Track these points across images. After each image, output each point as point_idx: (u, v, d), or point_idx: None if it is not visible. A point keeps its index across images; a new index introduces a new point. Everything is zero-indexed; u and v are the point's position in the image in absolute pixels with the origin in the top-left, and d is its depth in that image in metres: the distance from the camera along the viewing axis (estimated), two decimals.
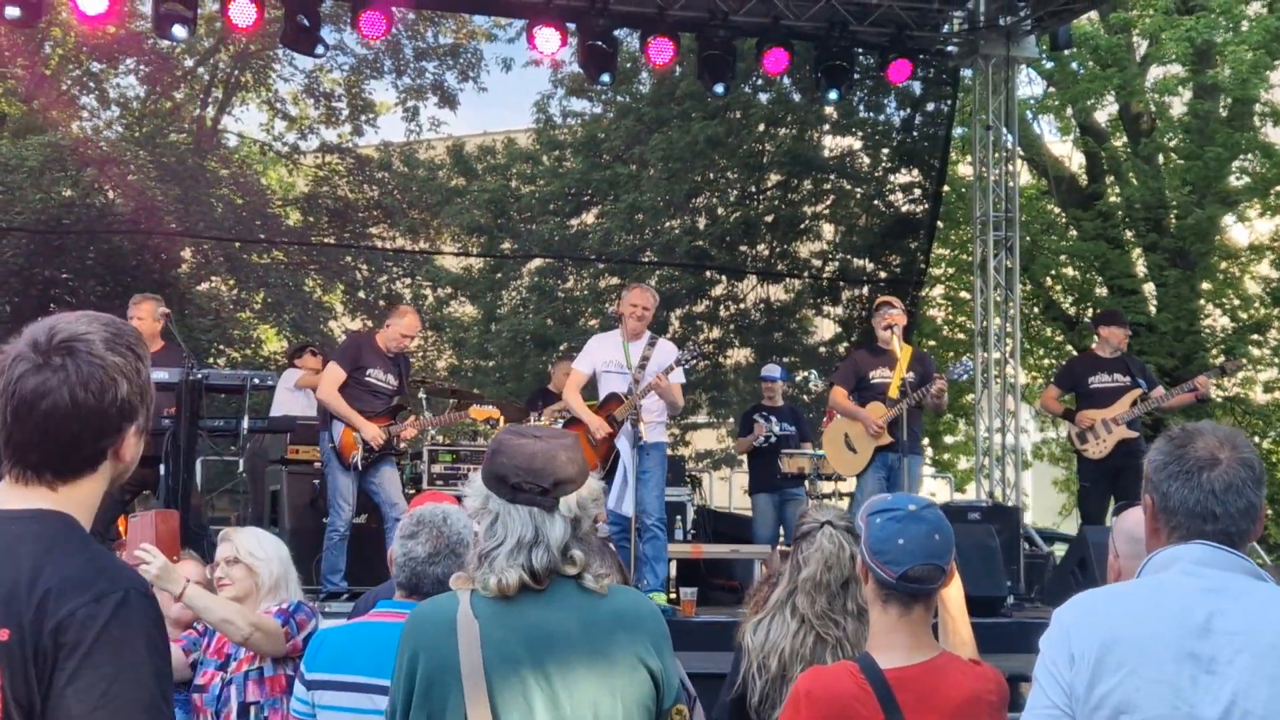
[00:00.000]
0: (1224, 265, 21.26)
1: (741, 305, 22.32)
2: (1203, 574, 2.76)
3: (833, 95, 14.56)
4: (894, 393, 10.02)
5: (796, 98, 21.22)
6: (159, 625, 2.23)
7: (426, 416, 10.77)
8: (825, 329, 22.80)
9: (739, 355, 22.37)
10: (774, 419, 12.48)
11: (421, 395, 12.51)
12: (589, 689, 2.87)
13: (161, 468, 8.96)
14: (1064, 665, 2.78)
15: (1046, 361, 22.51)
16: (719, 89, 14.26)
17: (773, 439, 12.31)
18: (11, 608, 2.14)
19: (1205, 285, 20.90)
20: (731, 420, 21.74)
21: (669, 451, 10.71)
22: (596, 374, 9.60)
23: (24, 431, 2.24)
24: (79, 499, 2.30)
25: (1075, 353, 18.58)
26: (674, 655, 3.09)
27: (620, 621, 2.97)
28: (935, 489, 23.70)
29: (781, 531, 12.02)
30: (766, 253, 22.22)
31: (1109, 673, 2.71)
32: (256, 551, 5.20)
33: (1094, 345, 11.48)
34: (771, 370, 13.21)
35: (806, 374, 13.33)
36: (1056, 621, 2.86)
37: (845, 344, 20.84)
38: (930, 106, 19.74)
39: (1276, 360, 20.83)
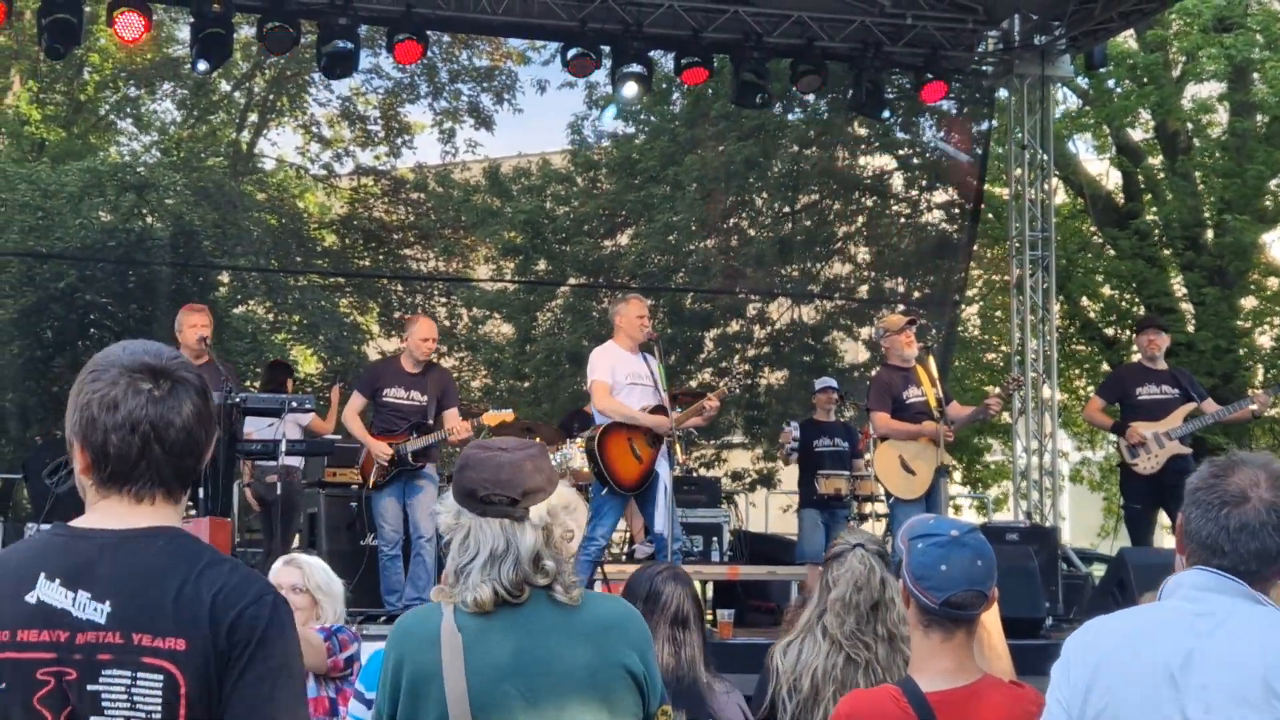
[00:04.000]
0: (1267, 283, 21.09)
1: (775, 326, 22.30)
2: (1198, 599, 2.79)
3: (885, 114, 14.50)
4: (935, 409, 10.00)
5: (829, 117, 21.21)
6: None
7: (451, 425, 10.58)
8: (854, 352, 22.71)
9: (773, 376, 22.34)
10: (795, 425, 12.43)
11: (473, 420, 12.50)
12: (573, 700, 2.89)
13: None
14: (1065, 689, 2.86)
15: (1083, 382, 22.39)
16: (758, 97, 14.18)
17: (795, 445, 12.26)
18: (183, 617, 2.27)
19: (1245, 303, 20.75)
20: (766, 441, 21.70)
21: (704, 471, 10.69)
22: (619, 386, 9.43)
23: (162, 452, 2.35)
24: (178, 513, 2.44)
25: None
26: (655, 657, 3.11)
27: (601, 629, 2.99)
28: (969, 510, 23.63)
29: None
30: (799, 274, 22.20)
31: (1096, 697, 2.78)
32: (324, 586, 5.22)
33: (1138, 357, 11.22)
34: (824, 381, 13.00)
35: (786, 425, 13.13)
36: (1065, 650, 2.92)
37: (877, 367, 20.79)
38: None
39: None
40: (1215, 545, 2.78)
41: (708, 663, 4.52)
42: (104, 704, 2.23)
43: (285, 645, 2.35)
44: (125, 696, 2.23)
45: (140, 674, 2.23)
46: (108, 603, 2.26)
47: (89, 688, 2.23)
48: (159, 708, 2.24)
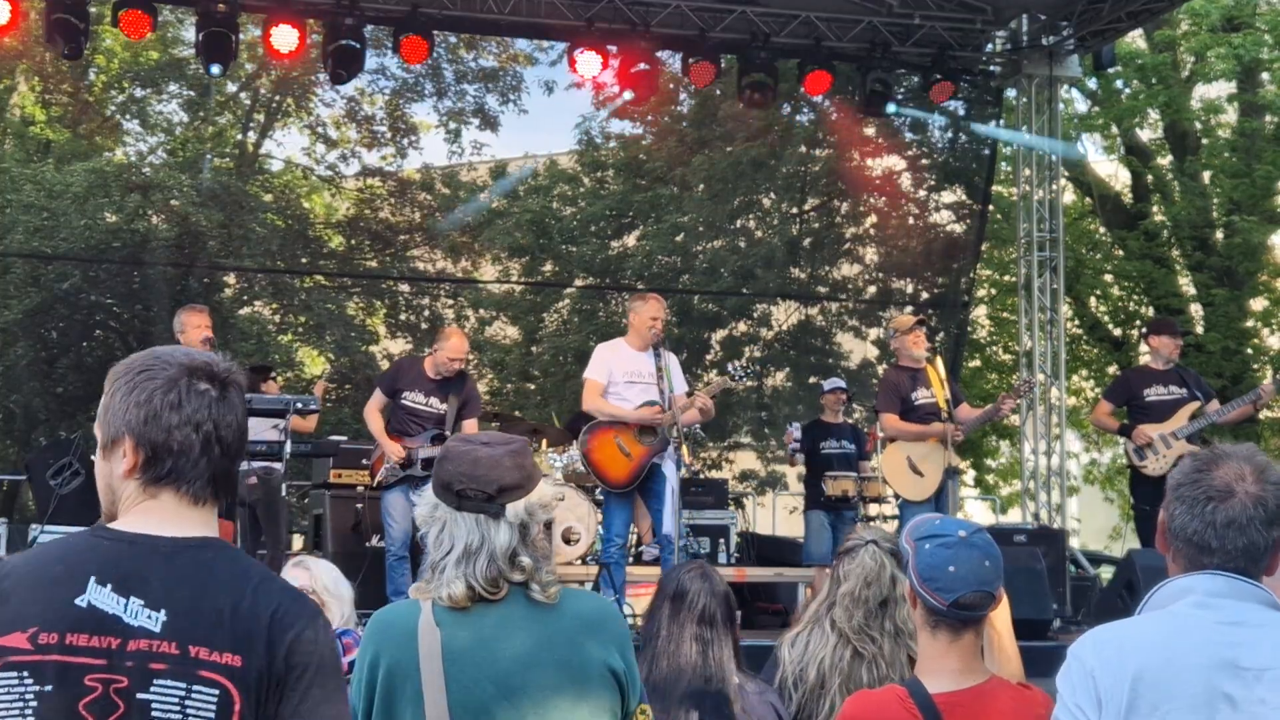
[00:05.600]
0: (1276, 283, 21.04)
1: (782, 328, 22.27)
2: (1219, 605, 2.70)
3: (890, 108, 14.45)
4: (944, 410, 9.95)
5: (837, 117, 21.18)
6: None
7: None
8: (860, 351, 22.67)
9: (779, 377, 22.31)
10: (797, 426, 12.40)
11: None
12: (551, 697, 2.87)
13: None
14: (1090, 709, 2.73)
15: (1090, 383, 22.35)
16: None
17: (798, 446, 12.22)
18: (238, 632, 2.27)
19: (1254, 304, 20.70)
20: (773, 443, 21.67)
21: (710, 473, 10.63)
22: (615, 385, 9.35)
23: (220, 454, 2.38)
24: (213, 523, 2.44)
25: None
26: (634, 653, 3.08)
27: (581, 626, 2.96)
28: (977, 512, 23.58)
29: (832, 555, 11.81)
30: (807, 275, 22.17)
31: (1141, 716, 2.65)
32: (332, 589, 5.19)
33: (1147, 358, 11.15)
34: (832, 382, 12.95)
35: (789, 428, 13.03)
36: (1077, 660, 2.80)
37: (883, 367, 20.76)
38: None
39: None
40: (1202, 542, 2.72)
41: (739, 663, 4.46)
42: (154, 713, 2.22)
43: (339, 668, 2.40)
44: (178, 708, 2.22)
45: (196, 686, 2.23)
46: (162, 611, 2.25)
47: (139, 696, 2.21)
48: None
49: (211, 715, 2.23)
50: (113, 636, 2.22)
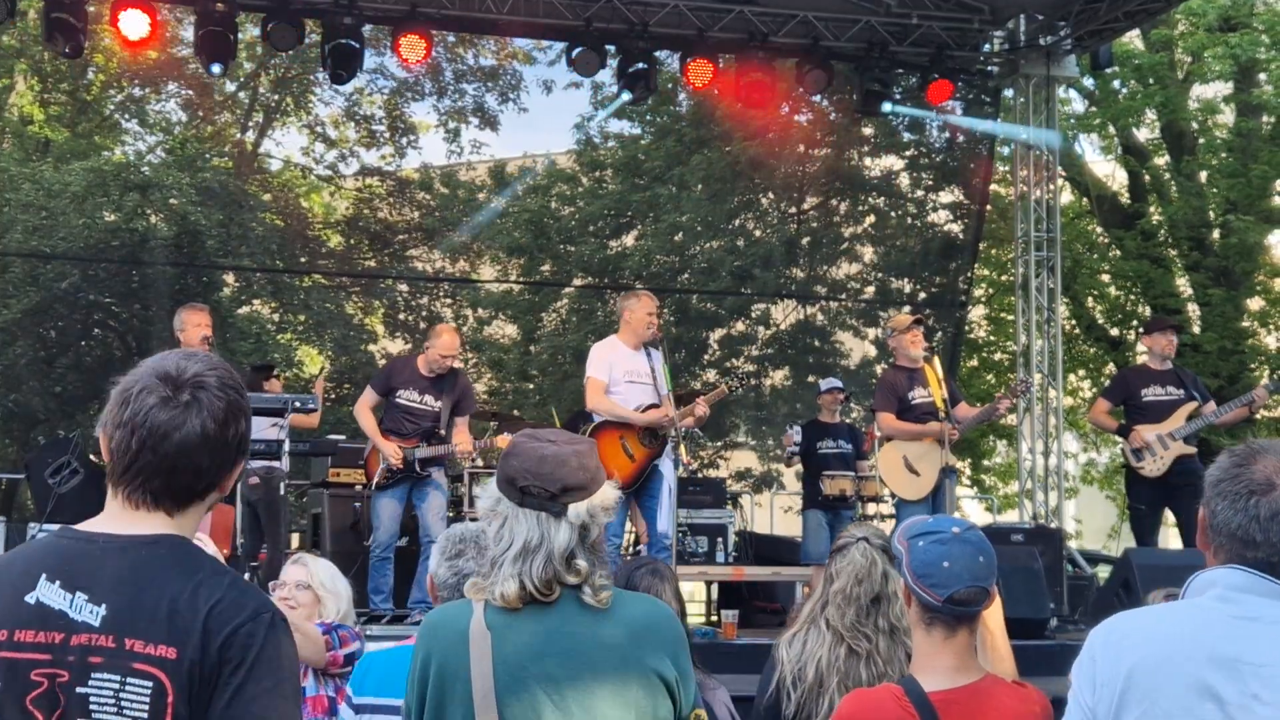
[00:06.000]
0: (1273, 283, 21.06)
1: (780, 327, 22.28)
2: (1239, 600, 2.67)
3: (885, 107, 14.48)
4: (941, 410, 9.96)
5: (836, 118, 21.20)
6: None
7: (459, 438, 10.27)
8: (860, 351, 22.68)
9: (777, 376, 22.32)
10: (797, 429, 12.41)
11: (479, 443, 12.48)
12: (601, 703, 2.85)
13: None
14: (1087, 691, 2.74)
15: (1088, 382, 22.37)
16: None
17: (797, 449, 12.23)
18: (175, 626, 2.27)
19: (1251, 304, 20.72)
20: (771, 442, 21.69)
21: (708, 472, 10.62)
22: (616, 384, 9.33)
23: (154, 460, 2.34)
24: (189, 525, 2.43)
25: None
26: (690, 659, 3.05)
27: (632, 633, 2.93)
28: (974, 512, 23.59)
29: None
30: (805, 275, 22.17)
31: (1132, 705, 2.66)
32: (328, 584, 5.22)
33: (1144, 358, 11.17)
34: (829, 382, 12.96)
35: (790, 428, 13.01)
36: (1088, 644, 2.81)
37: (882, 366, 20.77)
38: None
39: None
40: (1247, 536, 2.68)
41: (694, 660, 4.48)
42: (92, 707, 2.23)
43: (280, 664, 2.34)
44: (113, 700, 2.23)
45: (129, 679, 2.24)
46: (104, 606, 2.26)
47: (79, 690, 2.23)
48: (145, 714, 2.24)
49: (145, 707, 2.23)
50: (57, 632, 2.24)
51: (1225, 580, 2.71)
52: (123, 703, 2.23)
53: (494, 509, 2.97)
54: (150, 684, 2.24)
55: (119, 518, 2.37)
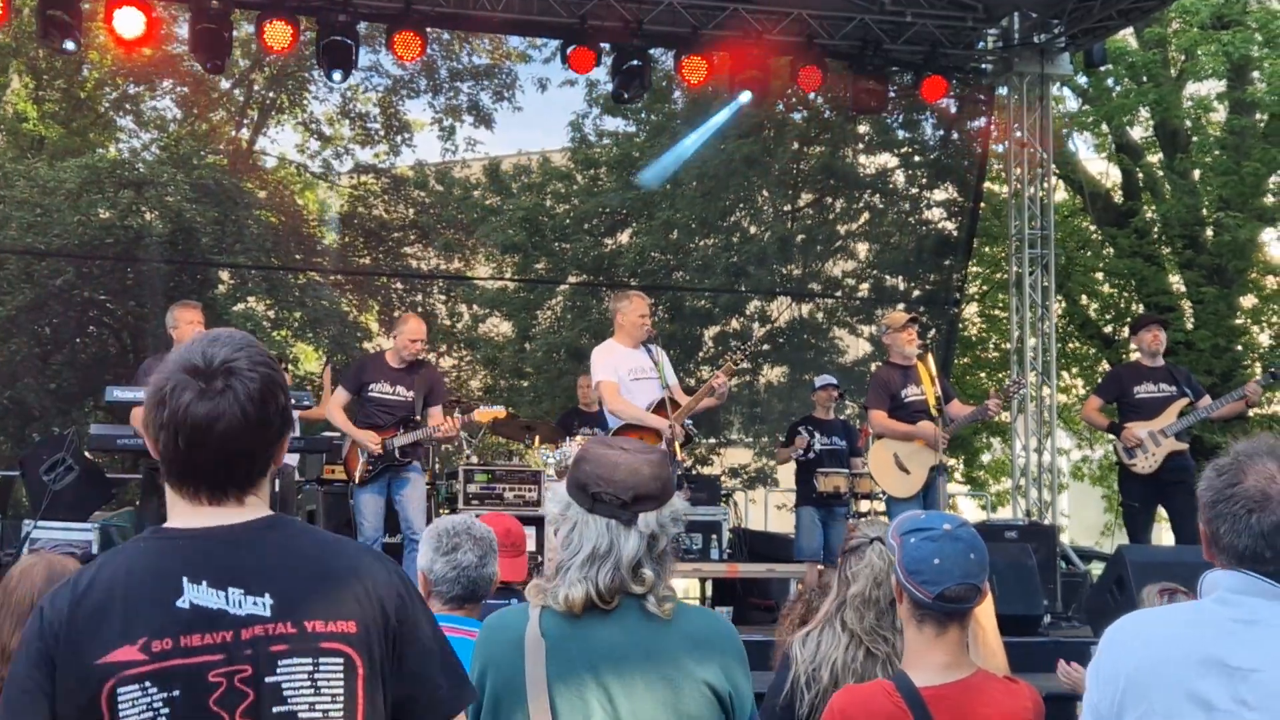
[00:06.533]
0: (1265, 281, 21.10)
1: (775, 324, 22.29)
2: (1238, 602, 2.68)
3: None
4: (934, 408, 9.98)
5: (830, 115, 21.21)
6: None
7: (435, 422, 10.22)
8: (856, 348, 22.72)
9: (772, 373, 22.34)
10: (816, 433, 12.40)
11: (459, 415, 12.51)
12: (655, 715, 2.85)
13: None
14: (1094, 690, 2.77)
15: (1081, 380, 22.40)
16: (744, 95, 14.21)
17: (812, 454, 12.23)
18: (345, 601, 2.34)
19: (1245, 301, 20.75)
20: (765, 439, 21.71)
21: (702, 470, 10.61)
22: (624, 383, 9.36)
23: (203, 455, 2.33)
24: (265, 495, 2.44)
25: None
26: (749, 674, 3.04)
27: (689, 645, 2.92)
28: (968, 508, 23.63)
29: (824, 551, 11.81)
30: (800, 272, 22.18)
31: (1130, 706, 2.67)
32: None
33: (1136, 356, 11.20)
34: (823, 379, 12.94)
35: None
36: (1097, 650, 2.82)
37: (877, 363, 20.78)
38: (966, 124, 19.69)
39: None
40: (1257, 555, 2.67)
41: None
42: (286, 693, 2.26)
43: (429, 616, 2.47)
44: (308, 683, 2.27)
45: (321, 659, 2.29)
46: (266, 595, 2.28)
47: (267, 680, 2.25)
48: (340, 690, 2.30)
49: (340, 683, 2.29)
50: (225, 630, 2.24)
51: (1227, 583, 2.72)
52: (319, 683, 2.28)
53: (564, 514, 2.97)
54: (340, 660, 2.30)
55: (199, 512, 2.36)
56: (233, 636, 2.24)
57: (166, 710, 2.18)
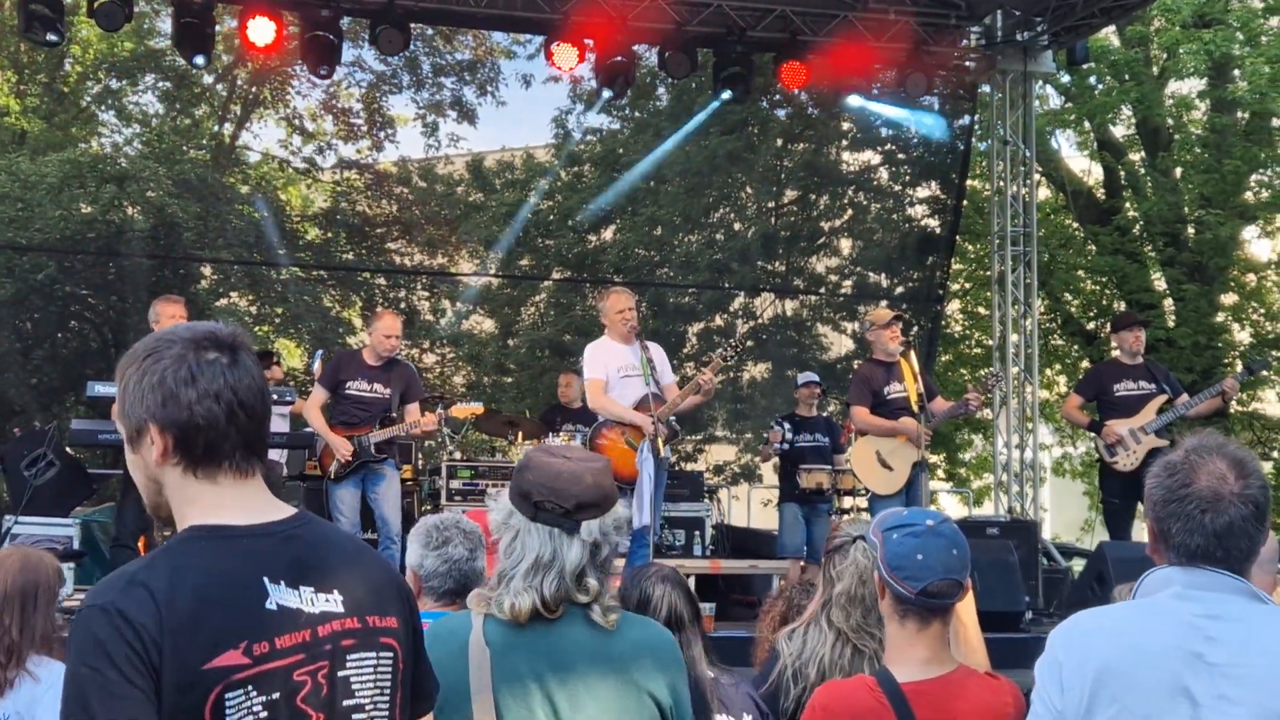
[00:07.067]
0: (1245, 279, 21.18)
1: (759, 320, 22.31)
2: (1199, 598, 2.68)
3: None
4: (915, 406, 9.99)
5: (814, 112, 21.22)
6: None
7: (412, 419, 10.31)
8: (839, 344, 22.74)
9: (756, 370, 22.35)
10: (788, 426, 12.43)
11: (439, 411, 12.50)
12: None
13: None
14: (1055, 694, 2.75)
15: (1063, 377, 22.47)
16: (726, 94, 14.22)
17: (786, 447, 12.26)
18: (388, 597, 2.43)
19: (1225, 299, 20.83)
20: (749, 435, 21.72)
21: (685, 466, 10.61)
22: (611, 380, 9.41)
23: (246, 419, 2.33)
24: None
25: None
26: (687, 685, 3.07)
27: (634, 655, 2.93)
28: (951, 505, 23.67)
29: (807, 547, 11.84)
30: (784, 268, 22.20)
31: (1103, 706, 2.66)
32: None
33: (1116, 353, 11.26)
34: (806, 376, 12.95)
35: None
36: (1050, 644, 2.81)
37: (859, 360, 20.79)
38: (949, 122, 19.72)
39: None
40: (1208, 554, 2.68)
41: (710, 659, 4.49)
42: (354, 686, 2.32)
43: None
44: (371, 676, 2.35)
45: (381, 653, 2.37)
46: (335, 592, 2.33)
47: (339, 674, 2.30)
48: (389, 682, 2.38)
49: (389, 677, 2.38)
50: (304, 630, 2.27)
51: (1182, 579, 2.72)
52: (379, 677, 2.36)
53: (506, 522, 2.97)
54: (391, 654, 2.39)
55: (245, 499, 2.35)
56: (310, 635, 2.27)
57: (265, 714, 2.19)
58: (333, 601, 2.31)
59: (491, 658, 2.86)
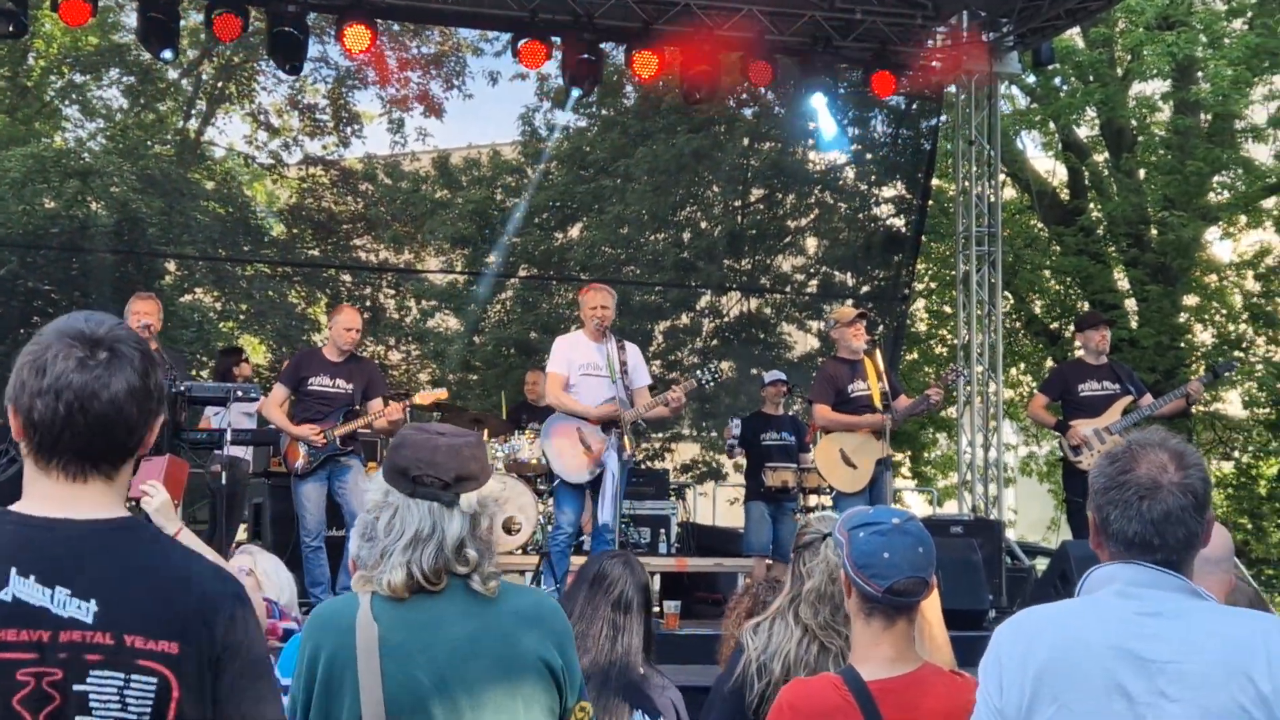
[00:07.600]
0: (1207, 279, 21.34)
1: (725, 319, 22.33)
2: (1140, 595, 2.70)
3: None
4: (879, 403, 10.03)
5: (781, 111, 21.24)
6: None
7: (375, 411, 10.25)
8: (804, 343, 22.77)
9: (722, 368, 22.31)
10: (737, 423, 12.49)
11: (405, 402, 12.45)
12: (489, 692, 2.87)
13: None
14: (994, 693, 2.77)
15: (1028, 376, 22.58)
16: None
17: (735, 442, 12.34)
18: (172, 620, 2.26)
19: (1188, 300, 20.98)
20: (715, 434, 21.73)
21: (652, 464, 10.63)
22: (571, 377, 9.42)
23: (85, 422, 2.26)
24: (124, 486, 2.37)
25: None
26: (576, 650, 3.09)
27: (520, 622, 2.96)
28: (915, 503, 23.75)
29: (773, 545, 11.85)
30: (750, 266, 22.23)
31: (1044, 704, 2.68)
32: (271, 574, 5.33)
33: (1080, 353, 11.31)
34: (772, 374, 12.97)
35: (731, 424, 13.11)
36: (993, 643, 2.83)
37: (821, 359, 20.82)
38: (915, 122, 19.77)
39: (1256, 374, 20.85)
40: (1145, 542, 2.70)
41: (649, 654, 4.50)
42: (93, 704, 2.19)
43: (261, 638, 2.39)
44: (117, 698, 2.20)
45: (134, 676, 2.21)
46: (92, 601, 2.21)
47: (75, 687, 2.18)
48: (149, 710, 2.22)
49: (150, 703, 2.21)
50: (43, 630, 2.17)
51: (1124, 576, 2.73)
52: (127, 700, 2.21)
53: (384, 500, 2.98)
54: (155, 680, 2.22)
55: (60, 497, 2.28)
56: (49, 637, 2.18)
57: None
58: (84, 611, 2.20)
59: (379, 633, 2.86)
